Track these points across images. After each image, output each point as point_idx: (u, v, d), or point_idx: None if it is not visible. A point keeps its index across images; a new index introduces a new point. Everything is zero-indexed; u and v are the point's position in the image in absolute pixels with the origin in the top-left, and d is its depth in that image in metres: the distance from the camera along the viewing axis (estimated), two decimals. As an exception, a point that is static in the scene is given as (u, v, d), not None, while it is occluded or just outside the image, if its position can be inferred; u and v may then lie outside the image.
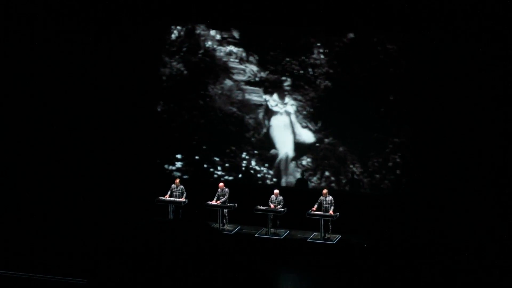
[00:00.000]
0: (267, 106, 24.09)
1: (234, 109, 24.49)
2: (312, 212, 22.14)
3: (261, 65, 24.09)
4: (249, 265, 3.53)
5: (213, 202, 22.96)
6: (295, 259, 21.36)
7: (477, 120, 22.17)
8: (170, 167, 24.93)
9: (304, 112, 23.82)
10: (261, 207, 22.58)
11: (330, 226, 22.23)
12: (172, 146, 24.88)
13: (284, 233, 22.63)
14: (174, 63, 24.72)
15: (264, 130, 24.24)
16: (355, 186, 23.67)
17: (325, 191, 22.41)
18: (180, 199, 22.99)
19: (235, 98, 24.44)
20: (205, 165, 24.74)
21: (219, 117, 24.58)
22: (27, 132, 25.12)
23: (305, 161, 23.99)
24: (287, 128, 23.95)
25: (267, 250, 21.60)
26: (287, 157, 24.04)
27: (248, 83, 24.29)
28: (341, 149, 23.75)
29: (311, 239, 22.23)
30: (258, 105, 24.29)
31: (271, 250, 21.69)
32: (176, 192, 23.11)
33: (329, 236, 22.16)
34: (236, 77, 24.35)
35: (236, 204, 22.98)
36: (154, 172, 24.86)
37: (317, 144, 23.88)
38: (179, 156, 24.93)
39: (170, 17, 24.16)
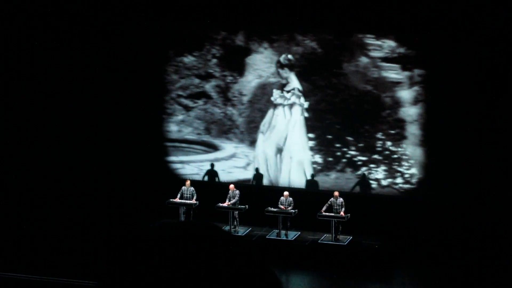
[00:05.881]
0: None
1: (370, 87, 23.92)
2: (322, 213, 22.05)
3: (399, 40, 23.48)
4: (261, 267, 3.32)
5: (224, 204, 22.80)
6: (307, 261, 21.41)
7: None
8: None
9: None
10: (272, 209, 22.45)
11: (340, 228, 22.11)
12: (305, 125, 24.45)
13: (295, 234, 22.58)
14: (307, 41, 24.29)
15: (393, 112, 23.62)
16: (365, 187, 23.59)
17: (336, 193, 22.24)
18: (191, 201, 22.86)
19: (371, 75, 23.87)
20: (337, 145, 24.26)
21: (353, 95, 24.05)
22: (37, 134, 25.15)
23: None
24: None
25: (279, 251, 21.67)
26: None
27: (385, 59, 23.69)
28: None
29: (322, 240, 22.14)
30: (395, 83, 23.66)
31: (282, 251, 21.74)
32: (187, 194, 22.92)
33: (338, 237, 22.07)
34: (372, 53, 23.78)
35: (246, 206, 22.77)
36: (163, 173, 24.89)
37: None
38: (311, 135, 24.48)
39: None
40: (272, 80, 24.60)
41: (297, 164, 24.49)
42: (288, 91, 24.39)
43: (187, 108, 25.27)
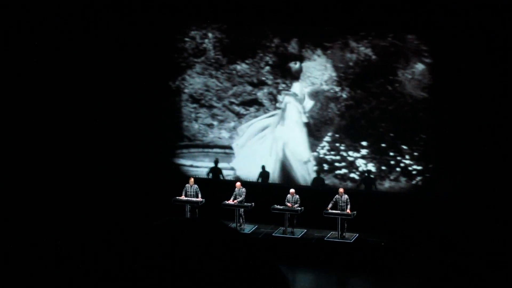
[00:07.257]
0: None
1: (425, 95, 23.43)
2: (328, 211, 22.08)
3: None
4: (268, 265, 3.12)
5: (230, 202, 22.76)
6: (313, 258, 21.46)
7: None
8: (355, 154, 24.12)
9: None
10: (278, 206, 22.49)
11: (346, 225, 22.11)
12: (358, 133, 24.08)
13: (301, 232, 22.58)
14: (362, 48, 23.90)
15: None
16: (369, 185, 23.53)
17: (341, 190, 22.28)
18: (196, 199, 22.81)
19: (427, 83, 23.38)
20: (391, 153, 23.81)
21: (408, 103, 23.58)
22: (42, 133, 25.07)
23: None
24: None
25: (285, 249, 21.64)
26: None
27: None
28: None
29: (328, 238, 22.19)
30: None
31: (289, 249, 21.72)
32: (191, 191, 22.88)
33: (344, 234, 22.08)
34: (428, 60, 23.29)
35: (253, 204, 22.78)
36: (167, 171, 24.75)
37: None
38: (364, 143, 24.08)
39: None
40: (325, 87, 24.27)
41: (301, 165, 24.21)
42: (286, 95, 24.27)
43: (239, 116, 25.08)
